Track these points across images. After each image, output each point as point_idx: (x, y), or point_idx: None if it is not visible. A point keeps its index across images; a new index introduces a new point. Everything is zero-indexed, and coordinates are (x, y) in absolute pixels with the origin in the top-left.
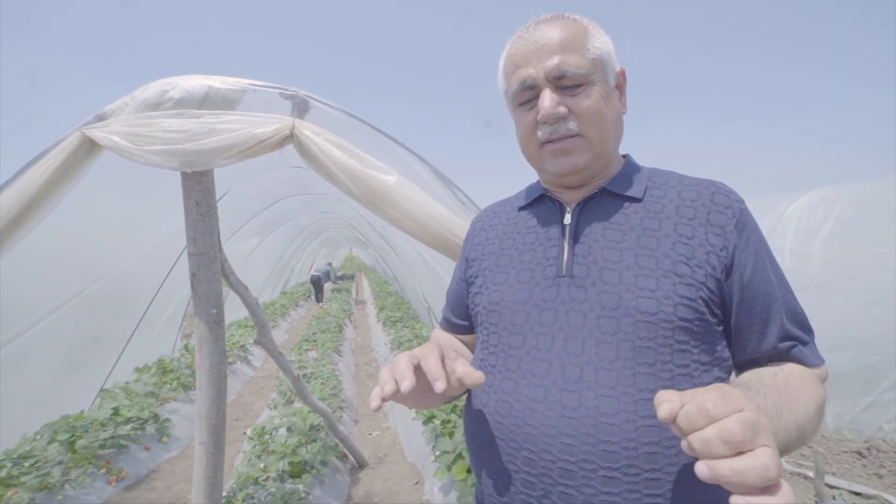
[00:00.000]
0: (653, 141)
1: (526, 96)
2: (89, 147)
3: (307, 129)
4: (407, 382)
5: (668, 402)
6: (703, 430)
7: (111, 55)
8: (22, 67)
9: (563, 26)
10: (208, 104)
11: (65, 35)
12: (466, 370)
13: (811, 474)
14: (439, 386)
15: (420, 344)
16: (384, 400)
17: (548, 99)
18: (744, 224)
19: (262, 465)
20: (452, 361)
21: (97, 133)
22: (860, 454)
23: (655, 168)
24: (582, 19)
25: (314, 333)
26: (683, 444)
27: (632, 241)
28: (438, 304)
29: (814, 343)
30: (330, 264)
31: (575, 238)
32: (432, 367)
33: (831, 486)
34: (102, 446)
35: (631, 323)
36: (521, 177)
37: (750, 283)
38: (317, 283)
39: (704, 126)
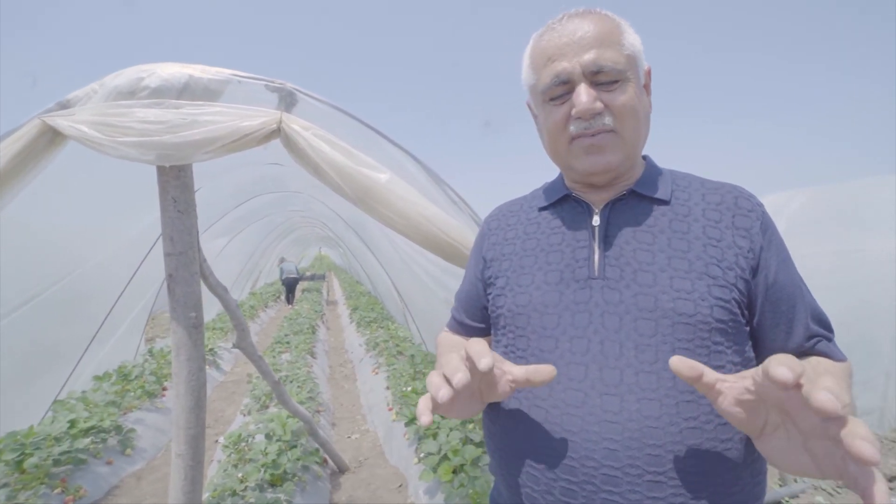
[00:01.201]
0: (658, 140)
1: (559, 91)
2: (51, 137)
3: (295, 124)
4: (460, 375)
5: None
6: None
7: (116, 59)
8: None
9: (597, 20)
10: (188, 94)
11: (67, 36)
12: (532, 367)
13: None
14: (485, 362)
15: (396, 344)
16: (439, 408)
17: (584, 94)
18: (766, 226)
19: (240, 475)
20: (501, 363)
21: (61, 122)
22: None
23: (674, 170)
24: (614, 15)
25: (286, 335)
26: (822, 396)
27: (663, 244)
28: (414, 303)
29: (835, 341)
30: (283, 259)
31: (605, 240)
32: (480, 349)
33: None
34: (57, 463)
35: (669, 325)
36: (518, 175)
37: (775, 283)
38: (292, 285)
39: (706, 125)
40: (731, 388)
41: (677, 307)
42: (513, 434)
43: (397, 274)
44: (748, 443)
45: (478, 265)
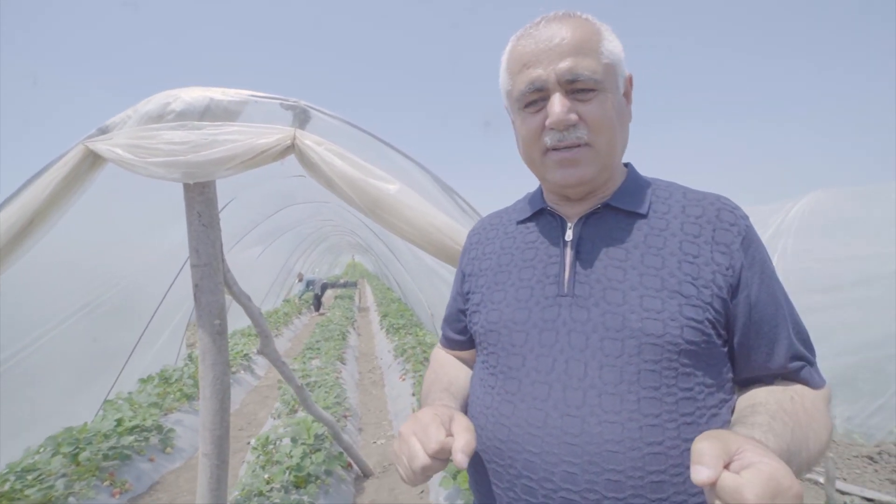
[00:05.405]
0: (650, 143)
1: (533, 98)
2: (92, 160)
3: (308, 139)
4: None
5: (707, 468)
6: None
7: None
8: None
9: (576, 26)
10: (210, 116)
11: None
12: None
13: (822, 480)
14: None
15: (423, 350)
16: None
17: (558, 104)
18: (749, 241)
19: (266, 476)
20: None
21: (100, 146)
22: (871, 459)
23: (657, 179)
24: (595, 20)
25: (317, 342)
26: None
27: (636, 260)
28: (439, 310)
29: (816, 363)
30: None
31: (577, 255)
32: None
33: (843, 492)
34: (106, 457)
35: (636, 345)
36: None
37: (757, 302)
38: (323, 289)
39: (703, 125)
40: None
41: (645, 327)
42: (480, 451)
43: (424, 281)
44: None
45: (458, 279)
